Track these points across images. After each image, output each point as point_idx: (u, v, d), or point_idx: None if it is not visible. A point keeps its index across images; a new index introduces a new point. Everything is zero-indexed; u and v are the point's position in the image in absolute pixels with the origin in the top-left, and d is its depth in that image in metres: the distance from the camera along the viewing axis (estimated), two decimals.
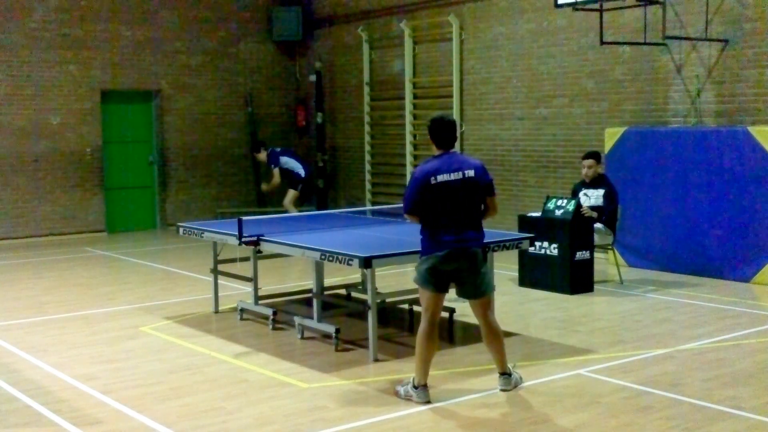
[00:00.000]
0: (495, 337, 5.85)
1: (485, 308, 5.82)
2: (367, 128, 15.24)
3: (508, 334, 7.38)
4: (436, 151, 5.77)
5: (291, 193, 13.10)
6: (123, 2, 14.74)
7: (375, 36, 15.02)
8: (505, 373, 5.89)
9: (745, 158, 9.49)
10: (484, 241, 5.88)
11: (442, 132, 5.73)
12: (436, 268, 5.64)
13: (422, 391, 5.64)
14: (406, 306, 8.09)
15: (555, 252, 9.19)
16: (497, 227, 8.49)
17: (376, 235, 7.91)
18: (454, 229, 5.62)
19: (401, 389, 5.76)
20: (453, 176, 5.61)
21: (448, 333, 7.53)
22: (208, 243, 8.89)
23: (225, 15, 15.84)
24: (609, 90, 11.40)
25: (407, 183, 5.73)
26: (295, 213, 12.03)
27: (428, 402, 5.61)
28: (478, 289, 5.77)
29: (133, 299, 9.23)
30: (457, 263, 5.65)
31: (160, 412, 5.57)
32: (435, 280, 5.67)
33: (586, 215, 9.21)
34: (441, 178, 5.59)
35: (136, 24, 14.88)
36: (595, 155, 9.76)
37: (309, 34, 16.26)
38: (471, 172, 5.66)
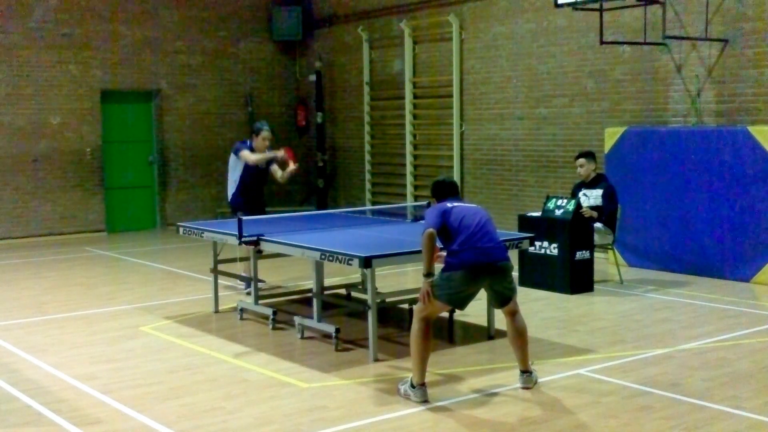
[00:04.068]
0: (521, 337, 5.93)
1: (515, 309, 5.94)
2: (367, 128, 15.24)
3: None
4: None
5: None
6: (123, 2, 14.74)
7: (375, 36, 15.02)
8: (527, 371, 5.95)
9: (745, 158, 9.49)
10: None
11: (443, 189, 6.09)
12: (464, 286, 5.68)
13: (420, 390, 5.64)
14: (406, 306, 8.08)
15: (555, 252, 9.19)
16: (497, 227, 8.47)
17: (376, 235, 7.91)
18: (481, 243, 5.71)
19: (401, 387, 5.78)
20: (466, 204, 6.02)
21: (448, 333, 7.54)
22: (208, 243, 8.90)
23: (225, 15, 15.85)
24: (609, 90, 11.40)
25: (425, 215, 5.93)
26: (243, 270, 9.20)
27: (426, 401, 5.61)
28: (507, 296, 5.89)
29: (133, 299, 9.23)
30: (490, 277, 5.75)
31: (160, 412, 5.58)
32: (459, 300, 5.75)
33: (586, 215, 9.20)
34: (455, 203, 5.90)
35: (136, 24, 14.88)
36: (585, 154, 9.75)
37: (309, 34, 16.26)
38: (482, 207, 6.07)
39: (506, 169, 12.80)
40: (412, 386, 5.66)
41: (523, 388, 5.90)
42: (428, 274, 5.62)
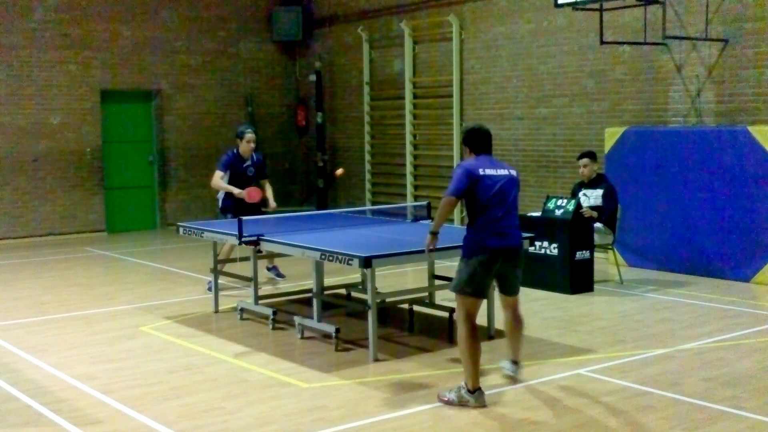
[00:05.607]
0: (520, 328, 6.03)
1: (517, 301, 5.99)
2: (367, 128, 15.24)
3: None
4: (470, 157, 5.84)
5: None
6: (123, 2, 14.74)
7: (375, 36, 15.02)
8: (518, 362, 6.03)
9: (745, 158, 9.49)
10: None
11: (479, 138, 5.85)
12: (486, 270, 5.64)
13: (480, 395, 5.56)
14: (406, 306, 8.08)
15: (555, 252, 9.19)
16: None
17: (376, 235, 7.90)
18: (505, 223, 5.68)
19: (452, 395, 5.60)
20: (499, 172, 5.75)
21: (448, 333, 7.52)
22: (208, 243, 8.90)
23: (225, 15, 15.85)
24: (609, 90, 11.40)
25: (452, 177, 5.73)
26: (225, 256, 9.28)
27: (484, 406, 5.53)
28: (517, 285, 5.94)
29: (133, 299, 9.23)
30: (506, 261, 5.72)
31: (160, 412, 5.58)
32: (482, 284, 5.69)
33: (586, 215, 9.20)
34: (488, 171, 5.69)
35: (136, 24, 14.88)
36: (589, 154, 9.76)
37: (309, 34, 16.26)
38: (513, 172, 5.85)
39: None
40: (470, 392, 5.56)
41: (512, 377, 5.97)
42: (434, 232, 5.71)
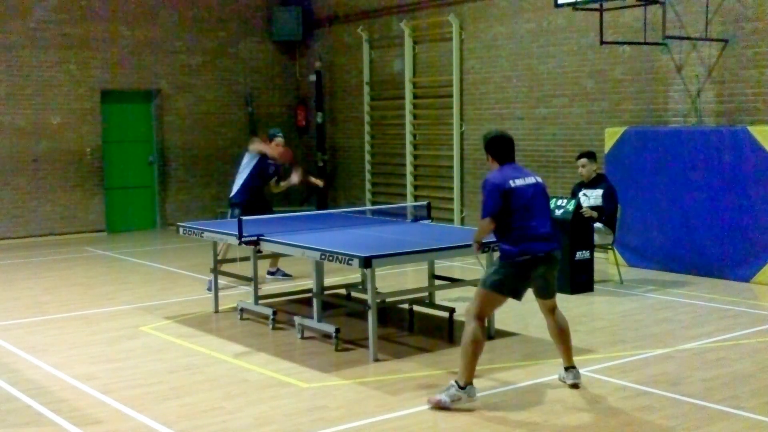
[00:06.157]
0: (565, 332, 5.92)
1: (555, 305, 5.92)
2: (367, 128, 15.24)
3: (508, 334, 7.40)
4: (494, 166, 5.84)
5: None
6: (123, 2, 14.74)
7: (375, 36, 15.02)
8: (573, 367, 5.92)
9: (745, 158, 9.49)
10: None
11: (503, 147, 5.87)
12: (526, 274, 5.62)
13: (470, 388, 5.55)
14: (406, 306, 8.08)
15: None
16: None
17: (376, 235, 7.91)
18: (543, 230, 5.66)
19: (443, 396, 5.54)
20: (527, 180, 5.74)
21: (448, 333, 7.53)
22: (208, 243, 8.90)
23: (225, 15, 15.85)
24: (609, 90, 11.40)
25: (483, 195, 5.73)
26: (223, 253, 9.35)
27: (475, 398, 5.55)
28: (555, 288, 5.89)
29: (133, 299, 9.23)
30: (546, 266, 5.69)
31: (160, 412, 5.58)
32: (518, 287, 5.68)
33: (586, 215, 9.20)
34: (518, 182, 5.67)
35: (136, 24, 14.88)
36: (587, 154, 9.76)
37: (309, 34, 16.26)
38: (539, 179, 5.85)
39: None
40: (461, 387, 5.53)
41: (572, 385, 5.86)
42: (477, 241, 5.77)
